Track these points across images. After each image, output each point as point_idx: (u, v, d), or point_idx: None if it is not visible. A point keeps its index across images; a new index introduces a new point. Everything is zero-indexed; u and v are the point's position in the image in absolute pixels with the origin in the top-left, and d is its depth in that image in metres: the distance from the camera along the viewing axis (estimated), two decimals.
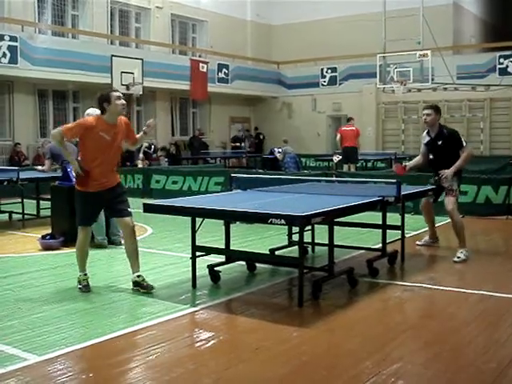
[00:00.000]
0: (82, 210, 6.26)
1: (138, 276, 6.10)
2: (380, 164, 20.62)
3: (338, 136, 17.71)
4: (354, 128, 17.66)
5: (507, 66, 21.16)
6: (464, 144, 7.66)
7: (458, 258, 7.40)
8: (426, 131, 7.99)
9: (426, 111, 7.75)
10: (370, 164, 20.07)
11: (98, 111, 8.86)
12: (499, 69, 21.29)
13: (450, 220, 7.77)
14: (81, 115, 20.10)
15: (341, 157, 17.55)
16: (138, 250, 6.21)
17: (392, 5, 20.84)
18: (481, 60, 21.93)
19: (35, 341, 4.60)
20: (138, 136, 6.40)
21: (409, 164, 8.35)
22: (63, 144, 6.05)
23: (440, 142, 7.67)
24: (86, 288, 6.11)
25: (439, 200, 8.09)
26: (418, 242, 8.52)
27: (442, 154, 7.68)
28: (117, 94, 6.02)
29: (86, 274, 6.23)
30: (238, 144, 25.25)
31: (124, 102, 6.06)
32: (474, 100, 21.39)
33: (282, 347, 4.51)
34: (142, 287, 6.04)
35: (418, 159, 8.16)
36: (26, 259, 7.72)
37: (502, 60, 21.28)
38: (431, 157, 7.84)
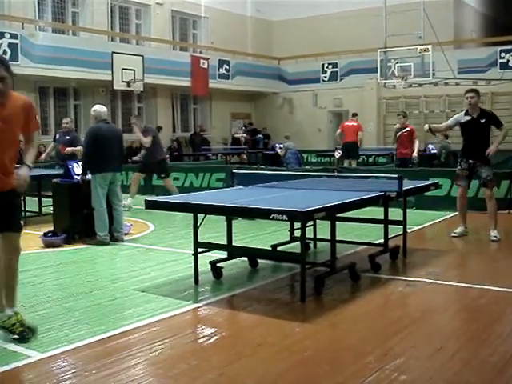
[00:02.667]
0: None
1: (10, 317, 4.59)
2: (381, 159, 20.59)
3: (339, 131, 17.55)
4: (355, 123, 17.36)
5: (508, 61, 21.12)
6: (502, 123, 8.55)
7: (495, 237, 8.28)
8: (464, 112, 8.64)
9: (469, 94, 8.46)
10: (371, 159, 20.05)
11: (104, 108, 8.95)
12: (500, 63, 21.25)
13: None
14: (82, 112, 20.15)
15: (342, 152, 17.49)
16: (17, 278, 4.71)
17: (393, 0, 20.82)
18: (482, 54, 21.89)
19: (38, 338, 4.60)
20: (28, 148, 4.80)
21: (435, 126, 9.14)
22: None
23: (483, 121, 8.39)
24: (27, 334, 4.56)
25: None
26: (453, 234, 8.66)
27: (482, 133, 8.41)
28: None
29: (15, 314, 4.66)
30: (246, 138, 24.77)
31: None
32: None
33: (284, 342, 4.52)
34: (10, 332, 4.55)
35: (442, 125, 9.16)
36: (28, 257, 7.72)
37: (503, 54, 21.24)
38: (467, 138, 8.55)
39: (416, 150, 13.44)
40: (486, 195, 8.46)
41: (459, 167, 8.59)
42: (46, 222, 9.76)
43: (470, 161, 8.44)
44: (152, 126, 15.35)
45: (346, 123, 17.73)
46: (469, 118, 8.47)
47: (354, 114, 18.05)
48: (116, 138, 8.91)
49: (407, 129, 13.38)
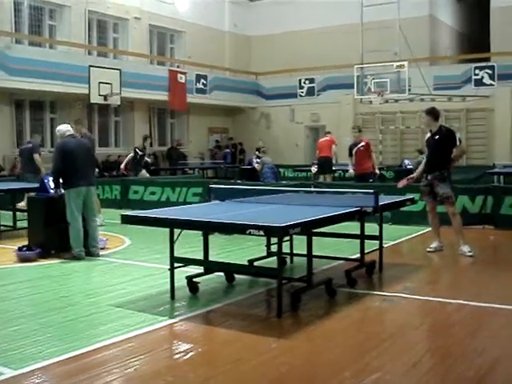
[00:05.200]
0: None
1: None
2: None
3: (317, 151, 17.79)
4: (328, 138, 17.59)
5: (482, 77, 21.43)
6: (458, 143, 8.71)
7: (470, 252, 8.31)
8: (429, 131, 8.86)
9: (423, 114, 8.98)
10: (348, 174, 20.11)
11: (66, 126, 8.87)
12: (475, 80, 21.55)
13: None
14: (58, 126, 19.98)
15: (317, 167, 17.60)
16: None
17: (369, 16, 21.04)
18: (457, 71, 22.21)
19: (11, 354, 4.54)
20: None
21: (415, 173, 8.99)
22: None
23: (437, 137, 8.53)
24: None
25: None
26: (428, 249, 8.72)
27: (436, 149, 8.52)
28: None
29: None
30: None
31: None
32: (450, 110, 21.58)
33: (260, 358, 4.50)
34: None
35: (424, 163, 8.91)
36: (2, 271, 7.62)
37: (477, 71, 21.54)
38: (427, 154, 8.81)
39: (375, 165, 13.60)
40: (449, 212, 8.52)
41: (422, 183, 8.75)
42: (20, 236, 9.65)
43: (429, 177, 8.58)
44: (91, 134, 14.60)
45: (320, 139, 18.00)
46: (428, 135, 8.76)
47: (328, 133, 18.38)
48: (85, 152, 8.80)
49: (362, 143, 13.51)
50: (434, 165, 8.54)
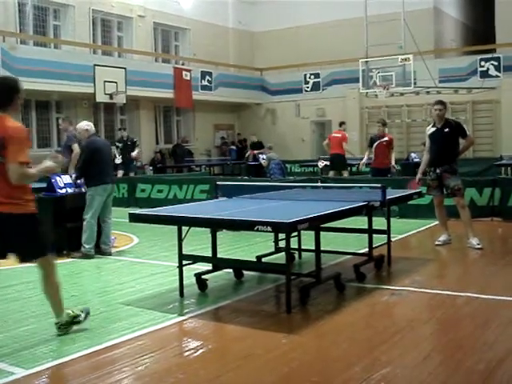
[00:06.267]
0: None
1: (56, 323, 5.06)
2: (365, 169, 20.63)
3: (326, 141, 17.26)
4: (339, 135, 16.76)
5: (488, 69, 21.31)
6: (467, 133, 8.71)
7: (479, 245, 8.29)
8: (431, 125, 8.78)
9: (438, 106, 8.56)
10: (354, 169, 20.08)
11: (92, 126, 8.96)
12: (480, 71, 21.44)
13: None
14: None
15: (326, 162, 17.34)
16: (53, 294, 5.02)
17: (373, 10, 20.98)
18: (462, 63, 22.10)
19: (22, 354, 4.56)
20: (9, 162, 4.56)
21: (419, 172, 8.93)
22: (33, 173, 4.71)
23: (447, 130, 8.48)
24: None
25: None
26: (436, 242, 8.71)
27: (446, 142, 8.49)
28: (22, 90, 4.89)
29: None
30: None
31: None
32: (456, 103, 21.49)
33: (271, 354, 4.51)
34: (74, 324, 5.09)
35: (425, 159, 8.84)
36: (11, 272, 7.65)
37: (482, 63, 21.43)
38: (433, 148, 8.63)
39: (393, 162, 13.40)
40: (459, 204, 8.53)
41: (429, 177, 8.70)
42: None
43: (438, 170, 8.53)
44: (76, 133, 14.55)
45: (333, 134, 17.31)
46: (434, 129, 8.65)
47: (341, 124, 17.64)
48: (109, 150, 9.23)
49: (386, 138, 13.18)
50: (443, 158, 8.51)
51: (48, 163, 4.82)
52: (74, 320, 5.06)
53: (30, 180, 4.73)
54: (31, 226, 4.75)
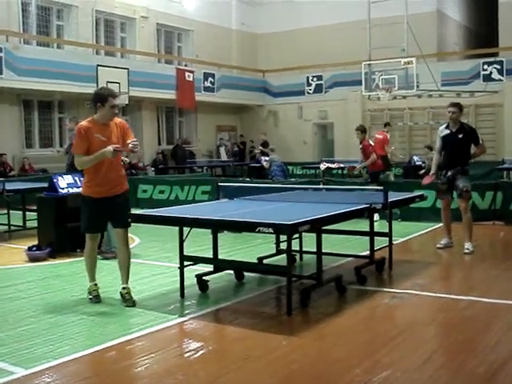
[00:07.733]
0: (86, 217, 6.05)
1: (124, 288, 6.02)
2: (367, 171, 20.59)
3: (390, 148, 16.27)
4: (381, 136, 15.31)
5: (491, 73, 21.31)
6: (481, 141, 8.66)
7: (468, 249, 8.22)
8: (444, 125, 8.68)
9: (452, 108, 8.46)
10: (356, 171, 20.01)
11: None
12: (483, 75, 21.43)
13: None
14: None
15: (327, 165, 17.41)
16: (129, 261, 6.06)
17: (376, 13, 20.94)
18: (465, 67, 22.08)
19: (23, 354, 4.56)
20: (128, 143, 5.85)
21: (432, 169, 8.80)
22: (92, 159, 5.74)
23: (461, 136, 8.41)
24: (95, 299, 6.08)
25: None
26: (438, 246, 8.70)
27: (460, 147, 8.41)
28: (113, 101, 5.86)
29: (95, 284, 6.19)
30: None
31: (117, 111, 5.97)
32: None
33: (271, 356, 4.50)
34: (123, 299, 5.98)
35: (437, 158, 8.75)
36: (12, 271, 7.66)
37: (485, 66, 21.43)
38: (446, 151, 8.57)
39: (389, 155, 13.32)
40: (462, 208, 8.45)
41: (439, 181, 8.65)
42: (30, 235, 9.68)
43: (449, 173, 8.47)
44: None
45: (375, 135, 15.80)
46: (448, 131, 8.54)
47: (386, 124, 17.09)
48: None
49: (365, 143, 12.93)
50: (455, 161, 8.45)
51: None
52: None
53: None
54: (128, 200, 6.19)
